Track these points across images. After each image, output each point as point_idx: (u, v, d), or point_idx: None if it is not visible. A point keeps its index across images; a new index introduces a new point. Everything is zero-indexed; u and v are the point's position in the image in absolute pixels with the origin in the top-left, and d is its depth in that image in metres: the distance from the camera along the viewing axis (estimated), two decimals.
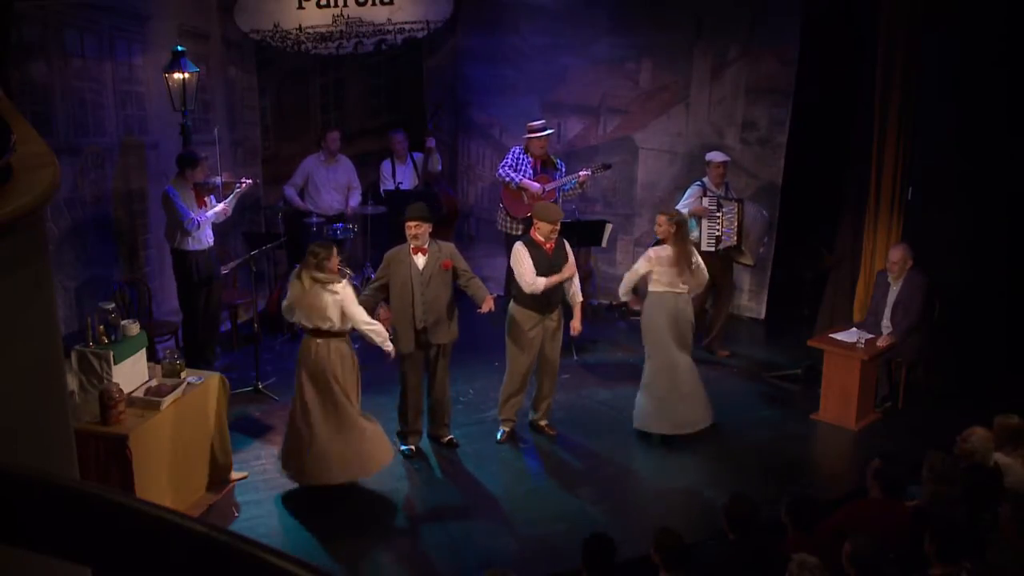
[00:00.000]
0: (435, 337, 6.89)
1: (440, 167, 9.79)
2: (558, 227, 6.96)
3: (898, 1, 7.92)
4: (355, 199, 9.57)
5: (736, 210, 8.48)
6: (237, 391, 7.42)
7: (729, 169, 9.31)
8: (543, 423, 7.45)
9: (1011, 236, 7.61)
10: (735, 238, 8.50)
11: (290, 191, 9.39)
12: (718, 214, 8.49)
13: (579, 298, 7.26)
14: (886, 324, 7.76)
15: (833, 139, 8.86)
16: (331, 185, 9.46)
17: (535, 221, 7.00)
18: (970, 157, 7.70)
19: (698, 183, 8.69)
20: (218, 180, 7.97)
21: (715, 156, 8.75)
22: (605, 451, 7.29)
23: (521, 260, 6.90)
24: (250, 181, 8.15)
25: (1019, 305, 7.53)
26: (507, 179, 8.93)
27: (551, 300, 7.03)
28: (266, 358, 8.46)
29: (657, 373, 7.22)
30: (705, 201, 8.53)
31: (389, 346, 6.50)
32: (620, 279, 9.95)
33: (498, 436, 7.35)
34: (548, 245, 6.93)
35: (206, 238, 7.99)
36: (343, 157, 9.54)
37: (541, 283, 6.85)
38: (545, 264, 6.92)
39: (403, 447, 7.09)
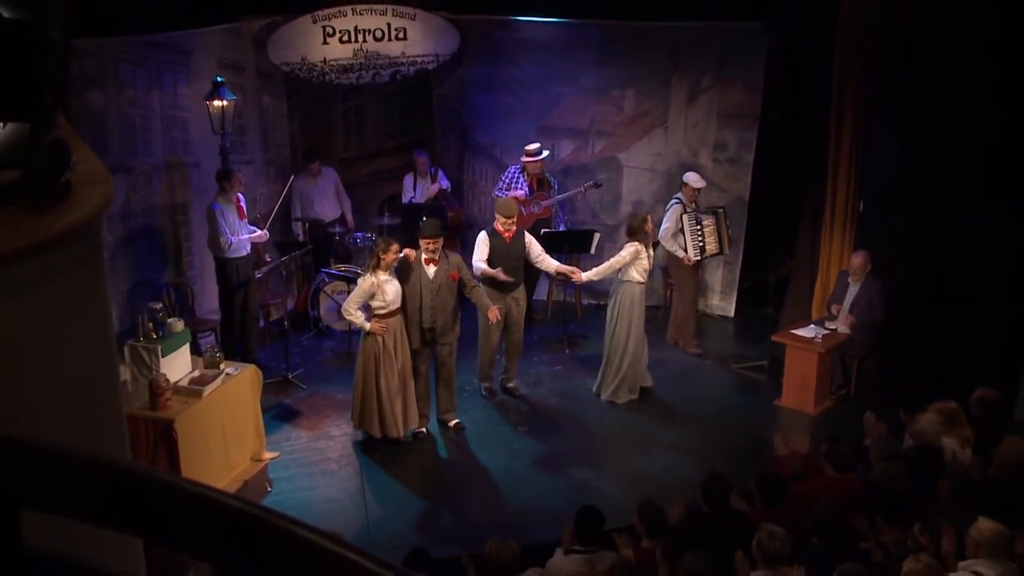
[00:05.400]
0: (441, 338, 6.94)
1: (449, 188, 9.79)
2: (513, 220, 7.30)
3: (851, 37, 7.93)
4: (348, 209, 9.52)
5: (715, 222, 8.52)
6: (269, 380, 7.41)
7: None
8: (510, 384, 7.75)
9: (947, 244, 7.61)
10: (717, 246, 8.56)
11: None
12: (699, 228, 8.47)
13: (553, 264, 7.56)
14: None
15: (794, 158, 8.86)
16: (322, 195, 9.41)
17: (496, 215, 7.34)
18: (913, 176, 7.72)
19: (675, 201, 8.64)
20: (253, 221, 8.12)
21: (693, 180, 8.57)
22: (595, 434, 7.30)
23: (478, 246, 7.30)
24: (266, 233, 8.16)
25: (954, 303, 7.52)
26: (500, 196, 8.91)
27: (508, 283, 7.28)
28: (295, 352, 8.45)
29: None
30: (685, 219, 8.49)
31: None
32: (606, 283, 10.01)
33: (482, 392, 7.67)
34: (507, 234, 7.25)
35: (243, 246, 7.99)
36: (324, 169, 9.47)
37: (480, 268, 7.18)
38: (503, 250, 7.26)
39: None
